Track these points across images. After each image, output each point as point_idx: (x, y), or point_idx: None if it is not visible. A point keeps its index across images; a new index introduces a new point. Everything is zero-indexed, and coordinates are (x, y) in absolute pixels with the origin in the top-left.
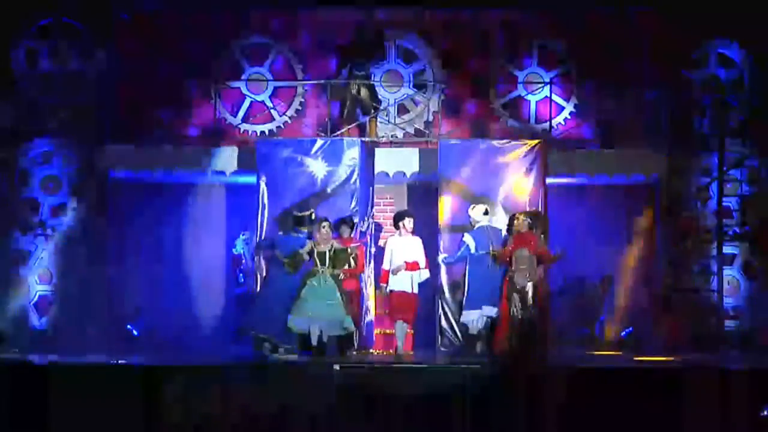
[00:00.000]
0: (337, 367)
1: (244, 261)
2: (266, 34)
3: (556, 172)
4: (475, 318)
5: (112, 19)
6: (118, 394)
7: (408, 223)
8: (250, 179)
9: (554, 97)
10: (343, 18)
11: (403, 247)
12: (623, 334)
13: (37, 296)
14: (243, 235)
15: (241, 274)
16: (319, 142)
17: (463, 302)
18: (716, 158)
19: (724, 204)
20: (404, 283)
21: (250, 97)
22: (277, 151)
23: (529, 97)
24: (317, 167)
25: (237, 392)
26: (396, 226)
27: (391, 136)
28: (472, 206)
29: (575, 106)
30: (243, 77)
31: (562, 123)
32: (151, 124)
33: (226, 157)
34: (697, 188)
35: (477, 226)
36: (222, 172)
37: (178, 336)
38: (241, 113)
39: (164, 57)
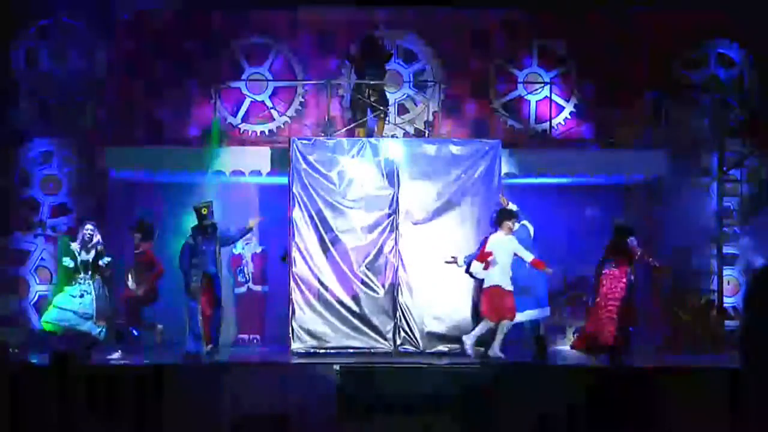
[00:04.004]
0: (336, 367)
1: (244, 261)
2: (266, 34)
3: (556, 172)
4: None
5: (112, 19)
6: (117, 393)
7: (512, 224)
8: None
9: (554, 97)
10: (343, 18)
11: (504, 246)
12: None
13: (37, 296)
14: None
15: (241, 274)
16: (358, 143)
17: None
18: (716, 158)
19: (724, 204)
20: (503, 279)
21: (250, 97)
22: (311, 151)
23: (529, 97)
24: (352, 167)
25: (237, 392)
26: (499, 224)
27: (391, 136)
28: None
29: (575, 106)
30: (243, 77)
31: (562, 123)
32: (151, 125)
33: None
34: (698, 188)
35: None
36: (222, 172)
37: (177, 336)
38: (241, 113)
39: (164, 57)
